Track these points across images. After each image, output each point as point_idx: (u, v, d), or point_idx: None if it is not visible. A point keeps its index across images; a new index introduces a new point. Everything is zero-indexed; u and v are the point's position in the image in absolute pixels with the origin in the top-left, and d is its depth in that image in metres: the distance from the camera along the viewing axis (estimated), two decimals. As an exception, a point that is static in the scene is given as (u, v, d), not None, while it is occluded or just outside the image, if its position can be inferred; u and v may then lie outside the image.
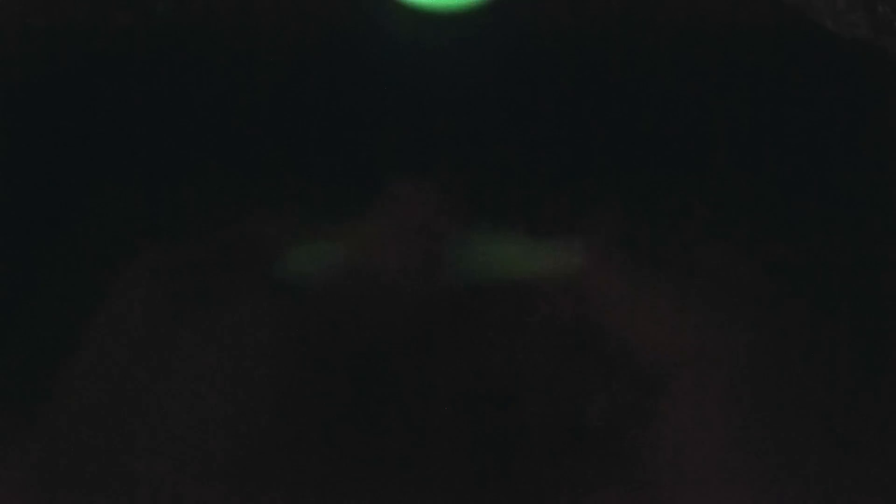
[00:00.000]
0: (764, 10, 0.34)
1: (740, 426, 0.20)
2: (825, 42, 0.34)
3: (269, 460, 0.19)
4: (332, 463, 0.19)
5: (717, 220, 0.33)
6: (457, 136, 0.33)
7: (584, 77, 0.34)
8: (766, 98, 0.34)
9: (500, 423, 0.21)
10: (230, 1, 0.35)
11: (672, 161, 0.33)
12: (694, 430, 0.20)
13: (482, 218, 0.29)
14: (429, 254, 0.22)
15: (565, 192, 0.32)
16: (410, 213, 0.23)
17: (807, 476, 0.20)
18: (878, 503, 0.20)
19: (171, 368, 0.20)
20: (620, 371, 0.22)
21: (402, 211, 0.24)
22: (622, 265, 0.23)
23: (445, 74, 0.34)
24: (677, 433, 0.20)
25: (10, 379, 0.29)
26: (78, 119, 0.34)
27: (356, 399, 0.20)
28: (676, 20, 0.34)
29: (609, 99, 0.34)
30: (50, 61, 0.34)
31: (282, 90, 0.34)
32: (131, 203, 0.33)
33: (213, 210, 0.27)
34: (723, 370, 0.21)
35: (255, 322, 0.20)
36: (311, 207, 0.33)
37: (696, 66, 0.34)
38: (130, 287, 0.22)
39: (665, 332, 0.22)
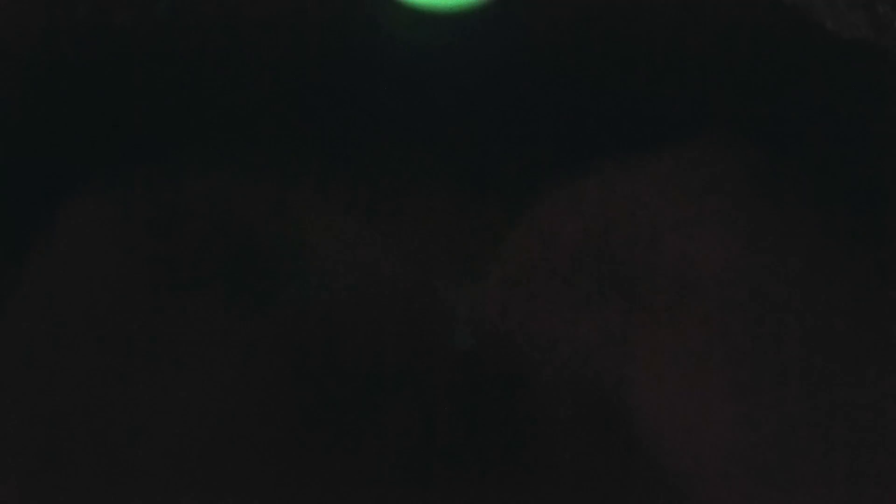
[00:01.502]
0: (764, 10, 0.34)
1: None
2: (825, 42, 0.34)
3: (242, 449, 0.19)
4: (308, 447, 0.19)
5: (715, 224, 0.33)
6: (456, 135, 0.33)
7: (583, 76, 0.34)
8: (766, 98, 0.34)
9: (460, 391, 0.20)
10: (230, 1, 0.35)
11: (670, 157, 0.33)
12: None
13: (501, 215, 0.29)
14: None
15: (568, 188, 0.32)
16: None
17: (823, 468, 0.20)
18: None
19: (145, 356, 0.20)
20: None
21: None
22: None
23: (445, 74, 0.34)
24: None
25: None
26: (77, 117, 0.34)
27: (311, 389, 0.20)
28: (676, 20, 0.34)
29: (608, 98, 0.34)
30: (50, 61, 0.34)
31: (281, 89, 0.34)
32: (127, 197, 0.33)
33: (209, 208, 0.27)
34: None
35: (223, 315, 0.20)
36: (310, 206, 0.33)
37: (696, 65, 0.34)
38: (108, 273, 0.22)
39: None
